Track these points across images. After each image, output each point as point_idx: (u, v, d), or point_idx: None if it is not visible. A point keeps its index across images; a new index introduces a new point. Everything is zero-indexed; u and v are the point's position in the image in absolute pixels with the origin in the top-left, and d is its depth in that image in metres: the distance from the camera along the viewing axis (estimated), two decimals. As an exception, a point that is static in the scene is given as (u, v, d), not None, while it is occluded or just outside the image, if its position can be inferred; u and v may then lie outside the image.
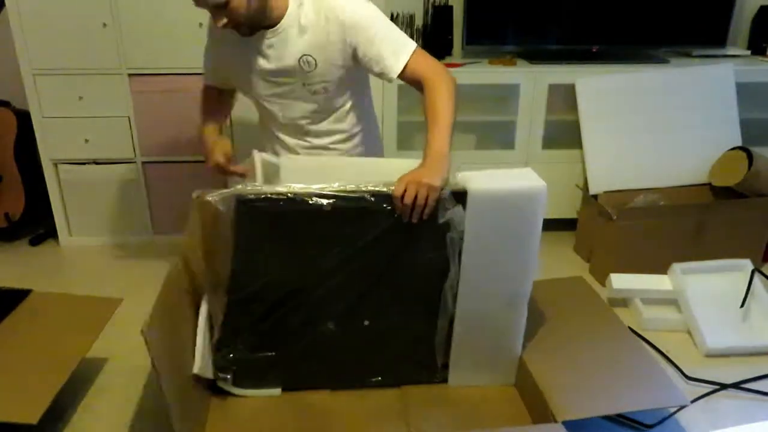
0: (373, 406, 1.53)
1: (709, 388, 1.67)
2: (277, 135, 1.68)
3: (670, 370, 1.75)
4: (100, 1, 2.16)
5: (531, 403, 1.50)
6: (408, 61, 1.46)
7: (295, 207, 1.38)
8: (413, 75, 1.47)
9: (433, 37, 2.48)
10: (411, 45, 1.48)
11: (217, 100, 1.76)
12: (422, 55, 1.48)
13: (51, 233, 2.52)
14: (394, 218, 1.39)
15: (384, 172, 1.43)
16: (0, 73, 2.45)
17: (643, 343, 1.83)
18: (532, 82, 2.35)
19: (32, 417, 1.29)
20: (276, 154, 1.69)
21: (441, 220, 1.40)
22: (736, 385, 1.68)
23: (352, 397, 1.56)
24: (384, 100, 2.33)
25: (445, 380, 1.60)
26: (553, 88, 2.35)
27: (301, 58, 1.50)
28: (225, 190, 1.36)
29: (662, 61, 2.46)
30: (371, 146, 1.73)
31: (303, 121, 1.62)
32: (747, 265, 2.00)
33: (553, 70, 2.36)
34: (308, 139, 1.65)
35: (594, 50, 2.50)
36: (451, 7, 2.48)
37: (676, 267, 1.99)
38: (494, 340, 1.55)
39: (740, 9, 2.60)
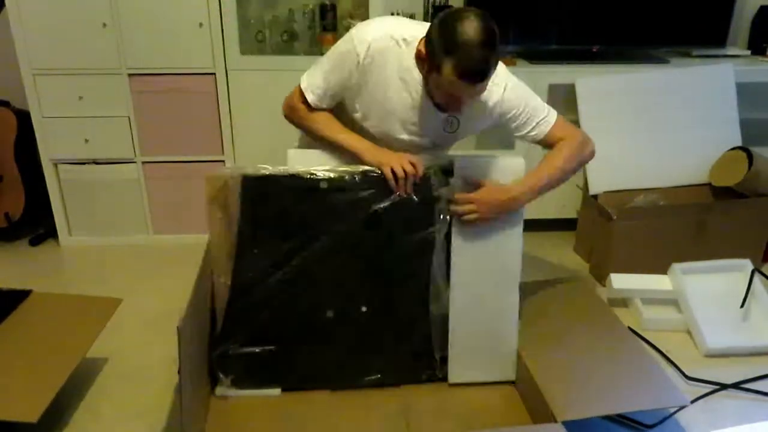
0: (374, 406, 1.53)
1: (709, 388, 1.67)
2: None
3: (670, 370, 1.75)
4: (100, 1, 2.16)
5: (531, 403, 1.50)
6: (554, 125, 1.58)
7: (296, 183, 1.48)
8: (553, 139, 1.60)
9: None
10: (552, 116, 1.59)
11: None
12: (563, 123, 1.60)
13: (51, 233, 2.52)
14: (388, 197, 1.50)
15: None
16: (0, 73, 2.45)
17: (643, 344, 1.83)
18: (532, 82, 2.33)
19: (32, 416, 1.29)
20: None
21: (432, 194, 1.52)
22: (736, 385, 1.68)
23: (353, 397, 1.56)
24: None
25: (444, 377, 1.61)
26: (553, 88, 2.35)
27: (447, 117, 1.54)
28: (233, 167, 1.49)
29: (662, 61, 2.46)
30: None
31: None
32: (747, 265, 2.00)
33: (553, 70, 2.36)
34: None
35: (594, 50, 2.49)
36: (451, 7, 2.48)
37: (676, 267, 1.99)
38: (490, 326, 1.59)
39: (740, 9, 2.60)
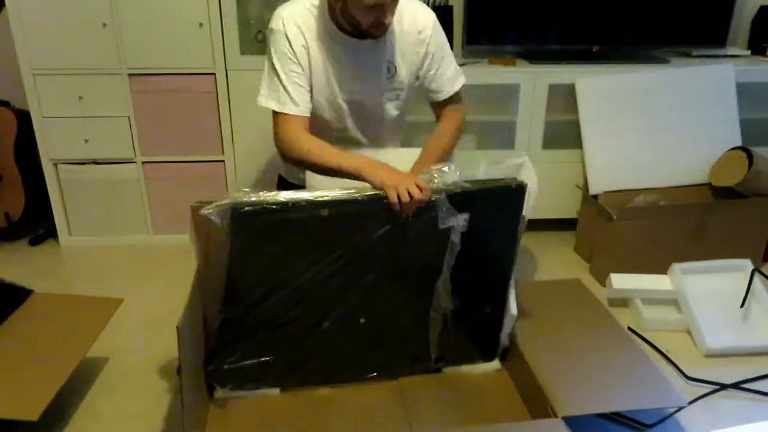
0: (372, 402, 1.54)
1: (709, 388, 1.67)
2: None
3: (670, 370, 1.75)
4: (100, 1, 2.16)
5: (530, 399, 1.51)
6: (457, 91, 1.68)
7: (291, 215, 1.37)
8: (449, 104, 1.69)
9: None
10: (462, 79, 1.68)
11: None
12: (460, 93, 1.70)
13: (51, 233, 2.52)
14: (389, 221, 1.41)
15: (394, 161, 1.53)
16: (0, 73, 2.45)
17: (641, 345, 1.84)
18: (532, 82, 2.35)
19: (33, 414, 1.29)
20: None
21: (441, 226, 1.43)
22: (736, 385, 1.68)
23: (351, 392, 1.57)
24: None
25: (439, 369, 1.64)
26: (553, 88, 2.35)
27: (387, 63, 1.59)
28: (220, 202, 1.34)
29: (662, 61, 2.46)
30: None
31: (366, 131, 1.71)
32: (747, 265, 2.00)
33: (553, 70, 2.36)
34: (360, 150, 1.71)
35: (594, 50, 2.50)
36: (451, 7, 2.48)
37: (676, 267, 1.99)
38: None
39: (740, 9, 2.60)
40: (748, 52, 2.58)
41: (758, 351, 1.82)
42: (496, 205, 1.47)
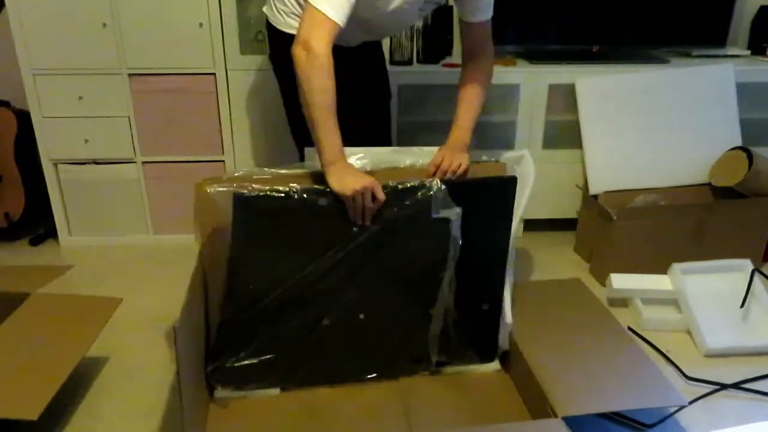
0: (373, 402, 1.54)
1: (709, 388, 1.67)
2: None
3: (670, 370, 1.75)
4: (100, 1, 2.16)
5: (530, 399, 1.51)
6: (488, 19, 1.68)
7: (294, 205, 1.39)
8: (482, 35, 1.69)
9: (433, 37, 2.48)
10: (491, 11, 1.68)
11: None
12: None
13: (51, 233, 2.52)
14: (391, 214, 1.43)
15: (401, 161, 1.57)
16: (0, 73, 2.45)
17: (641, 345, 1.84)
18: (532, 82, 2.35)
19: (32, 413, 1.29)
20: None
21: (434, 216, 1.47)
22: (736, 385, 1.67)
23: (351, 393, 1.57)
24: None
25: (439, 370, 1.65)
26: (553, 88, 2.35)
27: None
28: (222, 185, 1.37)
29: (662, 61, 2.46)
30: None
31: (386, 33, 1.73)
32: (747, 265, 2.00)
33: (553, 70, 2.36)
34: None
35: (594, 50, 2.50)
36: (452, 7, 2.48)
37: (676, 267, 1.99)
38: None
39: (740, 9, 2.60)
40: (748, 52, 2.58)
41: (758, 351, 1.82)
42: (489, 196, 1.49)
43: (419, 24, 2.50)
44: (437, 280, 1.53)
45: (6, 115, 2.42)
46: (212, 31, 2.22)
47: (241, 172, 1.48)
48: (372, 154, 1.59)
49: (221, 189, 1.40)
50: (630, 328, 1.91)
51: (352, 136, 1.50)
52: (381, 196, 1.43)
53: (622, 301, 2.07)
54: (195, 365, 1.41)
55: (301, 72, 1.39)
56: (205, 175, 1.52)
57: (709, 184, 2.33)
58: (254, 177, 1.46)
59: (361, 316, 1.54)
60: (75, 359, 1.48)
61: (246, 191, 1.39)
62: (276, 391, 1.57)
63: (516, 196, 1.55)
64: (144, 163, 2.40)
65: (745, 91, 2.37)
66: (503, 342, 1.63)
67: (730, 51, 2.53)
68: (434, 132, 2.28)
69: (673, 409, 1.55)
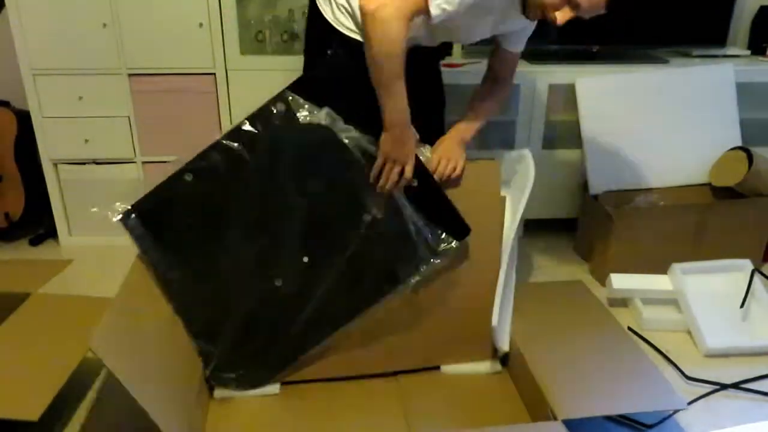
0: (372, 402, 1.54)
1: (709, 388, 1.67)
2: None
3: (670, 370, 1.75)
4: (100, 1, 2.16)
5: (530, 401, 1.51)
6: (521, 50, 1.72)
7: (166, 194, 1.49)
8: (512, 63, 1.74)
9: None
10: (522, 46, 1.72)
11: None
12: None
13: (51, 233, 2.52)
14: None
15: None
16: (0, 73, 2.45)
17: (642, 346, 1.84)
18: (532, 82, 2.34)
19: (33, 414, 1.29)
20: None
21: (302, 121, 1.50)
22: (736, 385, 1.68)
23: (351, 392, 1.57)
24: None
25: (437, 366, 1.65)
26: (553, 88, 2.35)
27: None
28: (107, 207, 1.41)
29: (662, 61, 2.46)
30: None
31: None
32: (747, 265, 2.00)
33: (553, 70, 2.36)
34: None
35: (594, 50, 2.49)
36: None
37: (676, 267, 1.99)
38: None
39: (740, 9, 2.60)
40: (748, 52, 2.58)
41: (758, 351, 1.82)
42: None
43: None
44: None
45: (6, 115, 2.42)
46: (212, 31, 2.22)
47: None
48: None
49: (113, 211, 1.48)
50: (630, 328, 1.91)
51: None
52: (408, 175, 1.50)
53: (622, 301, 2.07)
54: (196, 365, 1.40)
55: (374, 33, 1.36)
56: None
57: (709, 184, 2.33)
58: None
59: (305, 259, 1.52)
60: (75, 360, 1.48)
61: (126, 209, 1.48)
62: (276, 388, 1.57)
63: (517, 196, 1.55)
64: (144, 163, 2.40)
65: (745, 91, 2.37)
66: (503, 344, 1.63)
67: (730, 51, 2.53)
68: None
69: (672, 410, 1.55)
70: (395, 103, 1.43)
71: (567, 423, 1.31)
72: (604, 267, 2.14)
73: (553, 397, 1.39)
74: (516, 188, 1.74)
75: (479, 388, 1.61)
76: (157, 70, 2.26)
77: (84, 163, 2.39)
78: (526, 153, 1.75)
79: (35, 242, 2.50)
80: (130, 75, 2.27)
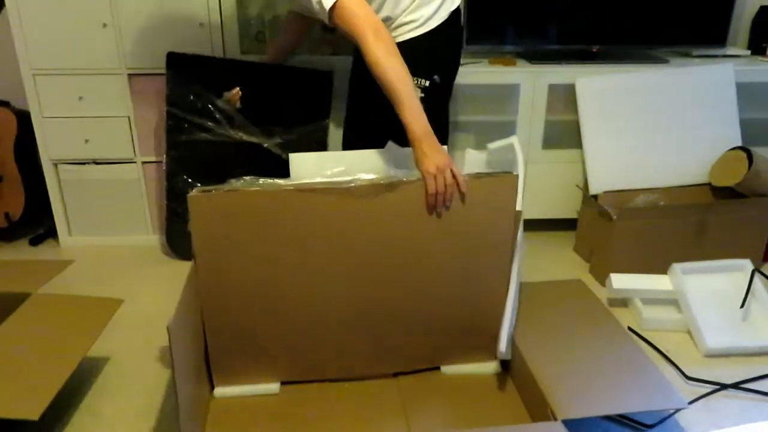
0: (371, 402, 1.54)
1: (709, 388, 1.67)
2: None
3: (670, 370, 1.75)
4: (100, 1, 2.16)
5: (530, 401, 1.51)
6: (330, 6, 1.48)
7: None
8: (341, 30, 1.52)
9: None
10: None
11: (298, 23, 1.90)
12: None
13: (51, 233, 2.52)
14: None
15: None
16: (0, 73, 2.45)
17: (642, 346, 1.84)
18: (532, 82, 2.35)
19: (33, 414, 1.29)
20: None
21: None
22: (736, 385, 1.68)
23: (351, 391, 1.57)
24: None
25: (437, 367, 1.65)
26: (553, 88, 2.35)
27: None
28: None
29: (662, 61, 2.46)
30: None
31: None
32: (747, 265, 2.00)
33: (553, 70, 2.36)
34: None
35: (594, 50, 2.50)
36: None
37: (676, 267, 1.99)
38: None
39: (740, 9, 2.60)
40: (748, 52, 2.58)
41: (758, 351, 1.82)
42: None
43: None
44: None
45: (6, 115, 2.42)
46: (212, 31, 2.22)
47: (240, 182, 1.49)
48: (349, 158, 1.60)
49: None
50: (630, 328, 1.91)
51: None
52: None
53: (622, 301, 2.07)
54: (193, 364, 1.41)
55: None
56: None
57: (709, 184, 2.33)
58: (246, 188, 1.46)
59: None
60: (75, 359, 1.48)
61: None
62: (276, 386, 1.57)
63: (513, 195, 1.54)
64: (144, 163, 2.40)
65: (745, 91, 2.37)
66: (507, 354, 1.61)
67: (730, 51, 2.53)
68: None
69: (673, 410, 1.55)
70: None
71: (567, 423, 1.31)
72: (604, 267, 2.14)
73: (553, 397, 1.39)
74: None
75: (479, 388, 1.60)
76: (157, 70, 2.26)
77: (84, 163, 2.39)
78: (514, 140, 1.72)
79: (35, 242, 2.50)
80: (130, 75, 2.27)
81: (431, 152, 1.43)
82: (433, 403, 1.55)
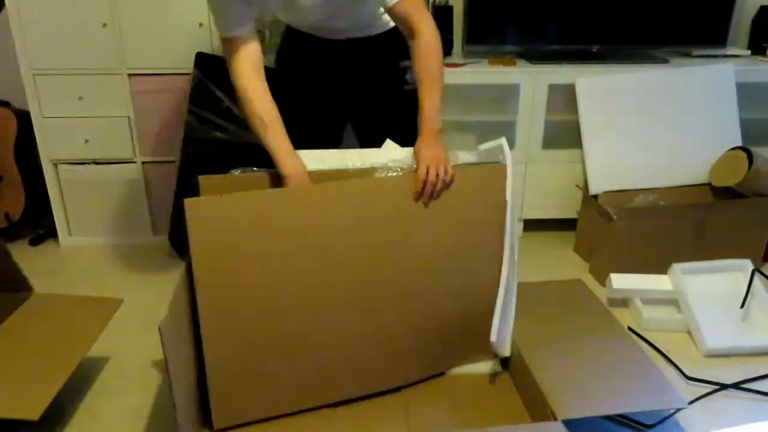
0: (372, 402, 1.54)
1: (709, 388, 1.67)
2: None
3: (670, 370, 1.75)
4: (100, 1, 2.16)
5: (530, 401, 1.50)
6: None
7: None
8: (408, 11, 1.52)
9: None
10: None
11: (263, 82, 1.50)
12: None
13: (51, 233, 2.52)
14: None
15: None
16: (0, 73, 2.45)
17: (642, 345, 1.84)
18: (532, 82, 2.35)
19: (33, 414, 1.29)
20: None
21: None
22: (736, 385, 1.68)
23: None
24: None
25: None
26: (553, 88, 2.36)
27: None
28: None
29: (662, 61, 2.46)
30: None
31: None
32: (747, 265, 2.00)
33: (553, 70, 2.36)
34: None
35: (594, 50, 2.50)
36: (451, 7, 2.48)
37: (676, 267, 1.99)
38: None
39: (740, 9, 2.60)
40: (748, 52, 2.58)
41: (758, 351, 1.82)
42: None
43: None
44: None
45: (6, 115, 2.42)
46: (212, 31, 2.22)
47: (238, 172, 1.49)
48: (333, 156, 1.58)
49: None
50: (630, 328, 1.91)
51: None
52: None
53: (622, 301, 2.07)
54: (189, 365, 1.40)
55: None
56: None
57: (709, 184, 2.33)
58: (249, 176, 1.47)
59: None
60: (75, 359, 1.48)
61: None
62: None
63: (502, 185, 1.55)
64: (144, 163, 2.40)
65: (745, 91, 2.37)
66: (504, 351, 1.61)
67: (730, 51, 2.53)
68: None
69: (673, 410, 1.55)
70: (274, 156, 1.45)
71: (567, 423, 1.31)
72: (604, 267, 2.14)
73: (553, 397, 1.39)
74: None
75: (479, 388, 1.60)
76: (157, 70, 2.26)
77: (84, 163, 2.39)
78: (503, 141, 1.72)
79: (35, 242, 2.50)
80: (130, 75, 2.27)
81: (437, 144, 1.48)
82: (434, 403, 1.55)
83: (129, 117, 2.33)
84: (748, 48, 2.63)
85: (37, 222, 2.53)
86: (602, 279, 2.15)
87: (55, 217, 2.46)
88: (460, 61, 2.43)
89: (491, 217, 1.55)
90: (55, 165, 2.38)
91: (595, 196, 2.30)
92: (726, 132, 2.36)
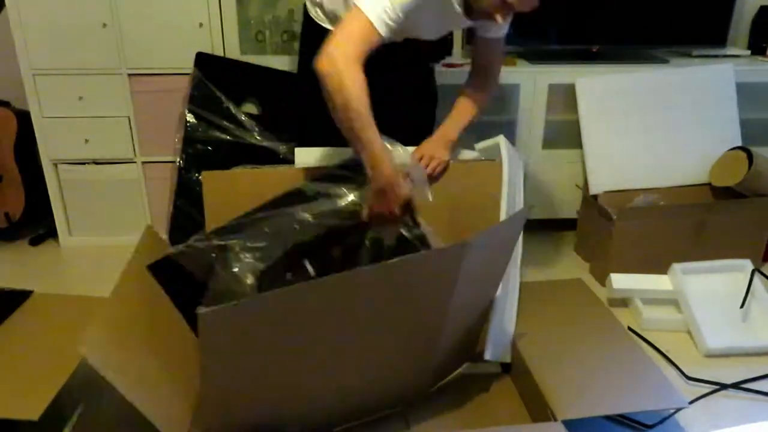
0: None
1: (709, 388, 1.67)
2: None
3: (670, 370, 1.75)
4: (100, 1, 2.16)
5: (530, 401, 1.51)
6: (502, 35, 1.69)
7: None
8: (491, 53, 1.70)
9: (433, 37, 2.48)
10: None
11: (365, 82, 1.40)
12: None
13: (51, 233, 2.52)
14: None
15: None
16: (0, 73, 2.45)
17: (642, 345, 1.84)
18: (532, 82, 2.34)
19: (33, 413, 1.29)
20: None
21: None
22: (736, 385, 1.68)
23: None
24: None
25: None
26: (553, 88, 2.35)
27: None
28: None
29: (662, 61, 2.46)
30: None
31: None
32: (747, 265, 2.00)
33: (553, 70, 2.36)
34: None
35: (594, 50, 2.49)
36: (451, 7, 2.48)
37: (676, 267, 1.99)
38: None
39: (740, 9, 2.60)
40: (748, 52, 2.58)
41: (758, 351, 1.82)
42: None
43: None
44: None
45: (6, 115, 2.42)
46: (212, 31, 2.22)
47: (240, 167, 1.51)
48: (351, 154, 1.58)
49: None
50: (630, 328, 1.91)
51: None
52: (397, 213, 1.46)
53: (622, 301, 2.07)
54: (191, 367, 1.38)
55: (332, 87, 1.33)
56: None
57: (709, 184, 2.33)
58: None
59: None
60: (75, 359, 1.48)
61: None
62: None
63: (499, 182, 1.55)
64: (144, 163, 2.40)
65: (745, 91, 2.37)
66: (505, 356, 1.61)
67: (730, 51, 2.53)
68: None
69: (673, 410, 1.55)
70: (370, 152, 1.38)
71: (567, 423, 1.31)
72: (604, 267, 2.14)
73: (553, 397, 1.39)
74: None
75: (479, 388, 1.60)
76: (157, 70, 2.26)
77: (84, 163, 2.39)
78: (501, 139, 1.73)
79: (35, 242, 2.50)
80: (130, 75, 2.27)
81: (444, 147, 1.64)
82: (433, 403, 1.55)
83: (129, 117, 2.32)
84: (748, 48, 2.63)
85: (37, 222, 2.53)
86: (602, 279, 2.15)
87: (55, 217, 2.45)
88: (460, 61, 2.43)
89: (486, 211, 1.55)
90: (55, 165, 2.38)
91: (595, 196, 2.30)
92: (726, 132, 2.36)
